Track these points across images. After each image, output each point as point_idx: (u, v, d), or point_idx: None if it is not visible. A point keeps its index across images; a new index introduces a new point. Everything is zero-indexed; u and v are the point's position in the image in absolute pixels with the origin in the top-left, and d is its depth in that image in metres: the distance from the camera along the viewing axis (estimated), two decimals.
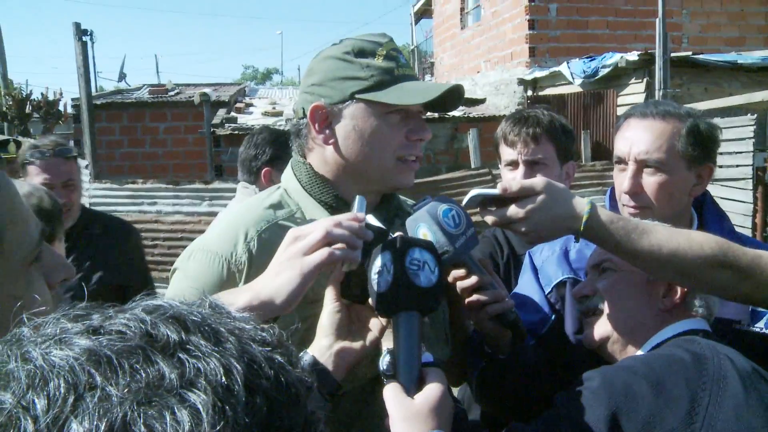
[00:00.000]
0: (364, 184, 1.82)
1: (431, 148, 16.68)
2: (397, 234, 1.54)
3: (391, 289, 1.46)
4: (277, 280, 1.47)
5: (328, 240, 1.48)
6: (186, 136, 17.15)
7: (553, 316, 2.12)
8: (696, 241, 1.66)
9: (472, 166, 11.64)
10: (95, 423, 0.61)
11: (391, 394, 1.37)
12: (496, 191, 1.68)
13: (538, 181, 1.68)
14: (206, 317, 0.75)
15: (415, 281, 1.46)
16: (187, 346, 0.69)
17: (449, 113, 16.70)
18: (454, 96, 1.84)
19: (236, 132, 15.30)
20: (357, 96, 1.76)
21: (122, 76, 25.62)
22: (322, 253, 1.47)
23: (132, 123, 17.28)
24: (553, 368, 1.98)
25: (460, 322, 2.05)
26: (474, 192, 1.70)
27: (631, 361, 1.64)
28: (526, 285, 2.22)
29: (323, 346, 1.52)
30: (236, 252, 1.74)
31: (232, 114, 17.64)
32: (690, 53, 14.55)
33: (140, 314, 0.72)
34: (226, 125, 15.94)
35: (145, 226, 10.89)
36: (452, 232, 1.67)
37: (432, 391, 1.37)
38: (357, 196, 1.64)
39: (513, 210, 1.66)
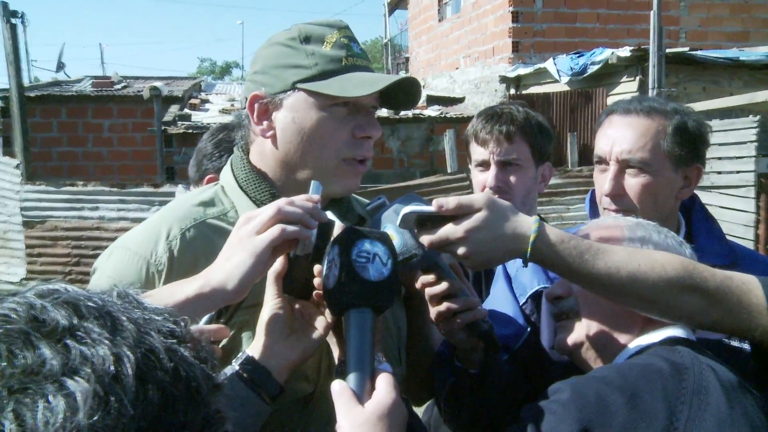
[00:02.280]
0: (304, 183, 1.76)
1: (405, 150, 16.72)
2: (346, 226, 1.54)
3: (337, 284, 1.46)
4: (228, 264, 1.47)
5: (281, 218, 1.48)
6: (134, 135, 17.04)
7: (529, 329, 2.11)
8: (658, 261, 1.63)
9: (449, 170, 11.70)
10: None
11: (340, 400, 1.37)
12: (431, 209, 1.60)
13: (478, 197, 1.63)
14: (107, 304, 0.76)
15: (363, 274, 1.45)
16: (77, 332, 0.71)
17: (425, 113, 16.78)
18: (408, 90, 1.84)
19: (190, 131, 15.24)
20: (298, 85, 1.76)
21: (61, 66, 25.29)
22: (274, 231, 1.46)
23: (72, 118, 17.13)
24: (529, 384, 1.98)
25: (426, 334, 2.05)
26: (406, 209, 1.61)
27: (604, 371, 1.63)
28: (499, 295, 2.21)
29: (264, 346, 1.53)
30: (156, 251, 1.74)
31: (186, 111, 17.58)
32: (687, 49, 14.72)
33: (31, 298, 0.74)
34: (179, 123, 15.89)
35: (86, 234, 10.75)
36: None
37: (383, 397, 1.36)
38: (313, 181, 1.63)
39: (450, 229, 1.59)
